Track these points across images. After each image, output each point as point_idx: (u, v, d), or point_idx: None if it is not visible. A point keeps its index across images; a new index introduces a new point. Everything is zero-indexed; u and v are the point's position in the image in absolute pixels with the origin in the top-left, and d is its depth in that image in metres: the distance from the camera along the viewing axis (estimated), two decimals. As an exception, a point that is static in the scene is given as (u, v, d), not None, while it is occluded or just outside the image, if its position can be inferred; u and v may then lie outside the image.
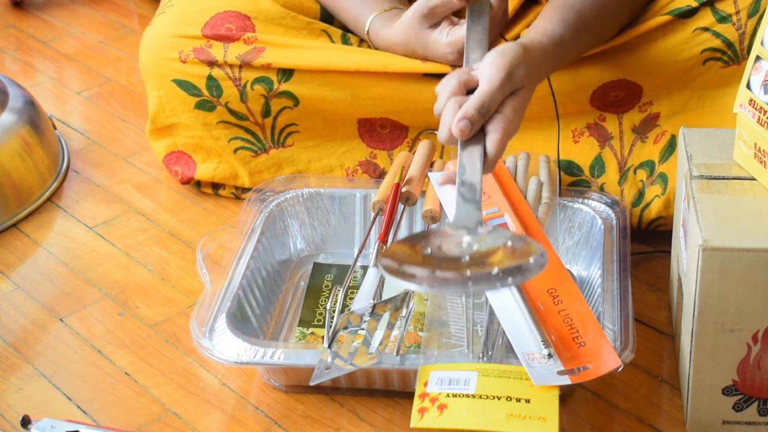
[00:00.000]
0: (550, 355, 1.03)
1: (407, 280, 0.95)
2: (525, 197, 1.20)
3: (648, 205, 1.31)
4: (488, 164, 1.06)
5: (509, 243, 0.99)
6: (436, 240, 1.00)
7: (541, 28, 1.18)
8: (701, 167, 1.09)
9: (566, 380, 1.01)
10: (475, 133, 1.07)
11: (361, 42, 1.38)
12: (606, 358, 1.03)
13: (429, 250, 0.99)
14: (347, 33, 1.39)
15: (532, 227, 1.15)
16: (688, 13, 1.25)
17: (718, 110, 1.28)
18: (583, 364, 1.02)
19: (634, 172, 1.31)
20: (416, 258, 0.98)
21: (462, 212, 1.02)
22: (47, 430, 1.07)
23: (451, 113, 1.06)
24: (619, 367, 1.02)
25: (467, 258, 0.98)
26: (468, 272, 0.95)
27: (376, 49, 1.34)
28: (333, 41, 1.37)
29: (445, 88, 1.09)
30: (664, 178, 1.30)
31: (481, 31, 1.16)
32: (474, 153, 1.06)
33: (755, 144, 1.06)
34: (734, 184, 1.07)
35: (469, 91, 1.09)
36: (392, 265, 0.96)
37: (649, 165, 1.31)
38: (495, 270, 0.96)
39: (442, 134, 1.07)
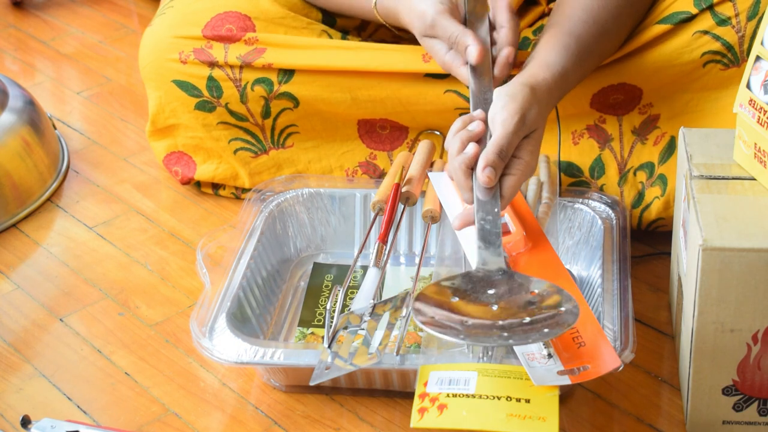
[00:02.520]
0: (550, 355, 1.03)
1: (445, 334, 0.96)
2: (525, 197, 1.20)
3: (648, 206, 1.31)
4: (502, 205, 1.08)
5: (536, 290, 1.01)
6: (462, 287, 1.01)
7: (543, 60, 1.17)
8: (701, 167, 1.09)
9: (566, 380, 1.01)
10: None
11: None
12: (606, 358, 1.03)
13: (456, 299, 1.00)
14: (347, 35, 1.39)
15: (532, 227, 1.15)
16: (688, 19, 1.25)
17: (718, 112, 1.28)
18: (583, 364, 1.02)
19: (634, 174, 1.31)
20: (446, 307, 1.00)
21: (484, 259, 1.03)
22: (47, 430, 1.07)
23: (462, 172, 1.09)
24: (619, 367, 1.02)
25: (495, 307, 1.00)
26: (500, 322, 0.97)
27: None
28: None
29: (452, 146, 1.11)
30: (663, 180, 1.30)
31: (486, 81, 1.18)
32: (491, 197, 1.07)
33: (755, 144, 1.06)
34: (734, 184, 1.07)
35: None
36: (426, 317, 0.98)
37: (649, 166, 1.31)
38: (527, 319, 0.97)
39: (463, 195, 1.10)
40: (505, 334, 0.96)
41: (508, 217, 1.16)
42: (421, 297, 1.01)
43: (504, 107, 1.09)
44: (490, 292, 1.01)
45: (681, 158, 1.15)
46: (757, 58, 1.05)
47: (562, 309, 0.98)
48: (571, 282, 1.10)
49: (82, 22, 1.95)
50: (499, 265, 1.03)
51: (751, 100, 1.05)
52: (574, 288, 1.09)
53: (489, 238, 1.05)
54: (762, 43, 1.05)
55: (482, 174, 1.07)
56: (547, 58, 1.17)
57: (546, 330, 0.96)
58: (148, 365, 1.19)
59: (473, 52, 1.16)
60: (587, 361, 1.02)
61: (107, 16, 1.96)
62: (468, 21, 1.21)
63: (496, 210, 1.06)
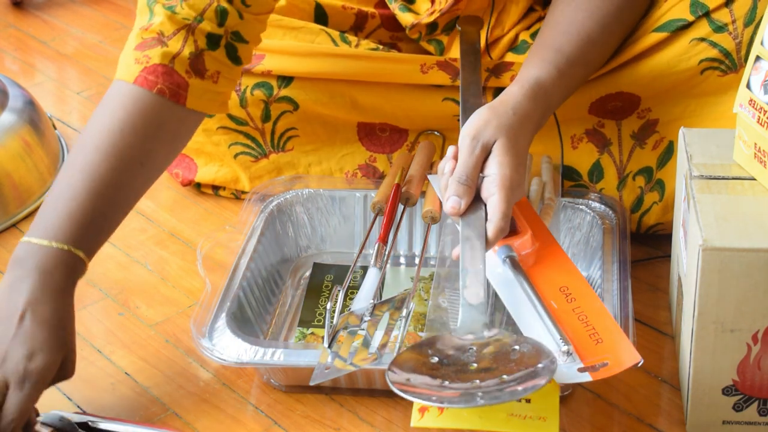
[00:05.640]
0: (569, 353, 1.02)
1: (416, 397, 0.95)
2: (527, 197, 1.20)
3: (647, 211, 1.31)
4: (494, 230, 1.06)
5: (517, 347, 0.99)
6: (442, 347, 1.00)
7: (517, 76, 1.18)
8: (701, 167, 1.09)
9: (587, 377, 1.00)
10: (474, 212, 1.08)
11: (359, 43, 1.39)
12: (624, 353, 1.01)
13: (436, 359, 0.99)
14: (345, 33, 1.39)
15: (539, 227, 1.15)
16: (685, 26, 1.25)
17: (717, 117, 1.27)
18: (602, 360, 1.01)
19: (633, 179, 1.31)
20: (424, 369, 0.98)
21: (467, 318, 1.02)
22: (56, 423, 1.07)
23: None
24: (639, 362, 1.00)
25: (475, 365, 0.98)
26: (477, 381, 0.96)
27: None
28: (333, 40, 1.37)
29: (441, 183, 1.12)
30: (661, 185, 1.30)
31: None
32: (473, 237, 1.06)
33: (755, 144, 1.06)
34: (734, 184, 1.07)
35: None
36: (400, 379, 0.97)
37: (647, 171, 1.31)
38: (504, 377, 0.96)
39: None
40: (480, 393, 0.94)
41: (513, 217, 1.15)
42: (397, 360, 0.99)
43: (460, 135, 1.10)
44: (471, 351, 1.00)
45: (681, 158, 1.15)
46: (757, 58, 1.05)
47: (540, 365, 0.97)
48: (582, 279, 1.09)
49: (82, 22, 1.95)
50: (481, 323, 1.01)
51: (751, 100, 1.05)
52: (585, 284, 1.09)
53: (472, 295, 1.03)
54: (762, 43, 1.05)
55: (446, 204, 1.08)
56: (520, 74, 1.18)
57: (520, 388, 0.94)
58: (148, 365, 1.19)
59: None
60: (606, 357, 1.01)
61: (107, 16, 1.96)
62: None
63: (480, 266, 1.04)
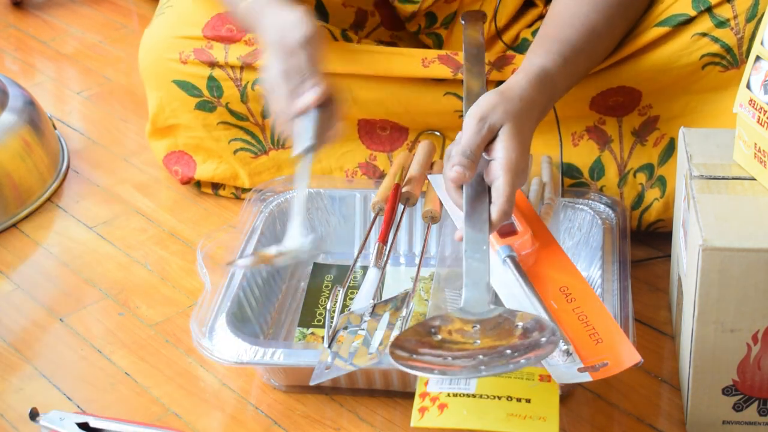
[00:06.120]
0: (569, 353, 1.02)
1: (419, 370, 0.95)
2: (527, 197, 1.20)
3: (648, 208, 1.31)
4: (498, 213, 1.06)
5: (520, 324, 1.00)
6: (446, 325, 1.00)
7: (521, 65, 1.18)
8: (701, 167, 1.09)
9: (587, 377, 1.00)
10: (478, 196, 1.08)
11: (360, 41, 1.39)
12: (625, 353, 1.02)
13: (439, 337, 0.99)
14: (346, 31, 1.39)
15: (539, 227, 1.15)
16: (686, 21, 1.25)
17: (718, 114, 1.28)
18: (602, 360, 1.01)
19: (634, 175, 1.31)
20: (427, 346, 0.98)
21: (470, 297, 1.02)
22: (56, 422, 1.07)
23: (452, 189, 1.10)
24: (639, 362, 1.01)
25: (478, 342, 0.98)
26: (480, 356, 0.96)
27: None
28: (334, 37, 1.37)
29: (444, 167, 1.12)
30: (662, 181, 1.30)
31: None
32: (477, 220, 1.06)
33: (755, 144, 1.06)
34: (734, 184, 1.07)
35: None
36: (403, 354, 0.97)
37: (649, 168, 1.31)
38: (507, 351, 0.96)
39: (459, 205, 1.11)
40: (482, 367, 0.95)
41: (514, 217, 1.15)
42: (400, 337, 0.99)
43: (468, 114, 1.10)
44: (474, 328, 1.00)
45: (681, 158, 1.15)
46: (757, 58, 1.05)
47: (543, 339, 0.97)
48: (582, 279, 1.10)
49: (82, 22, 1.95)
50: (485, 301, 1.02)
51: (751, 100, 1.05)
52: (585, 284, 1.09)
53: (475, 276, 1.03)
54: (762, 43, 1.05)
55: (451, 171, 1.07)
56: (525, 62, 1.18)
57: (522, 360, 0.95)
58: (148, 365, 1.19)
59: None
60: (606, 357, 1.02)
61: (107, 16, 1.96)
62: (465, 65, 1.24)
63: (484, 248, 1.04)
